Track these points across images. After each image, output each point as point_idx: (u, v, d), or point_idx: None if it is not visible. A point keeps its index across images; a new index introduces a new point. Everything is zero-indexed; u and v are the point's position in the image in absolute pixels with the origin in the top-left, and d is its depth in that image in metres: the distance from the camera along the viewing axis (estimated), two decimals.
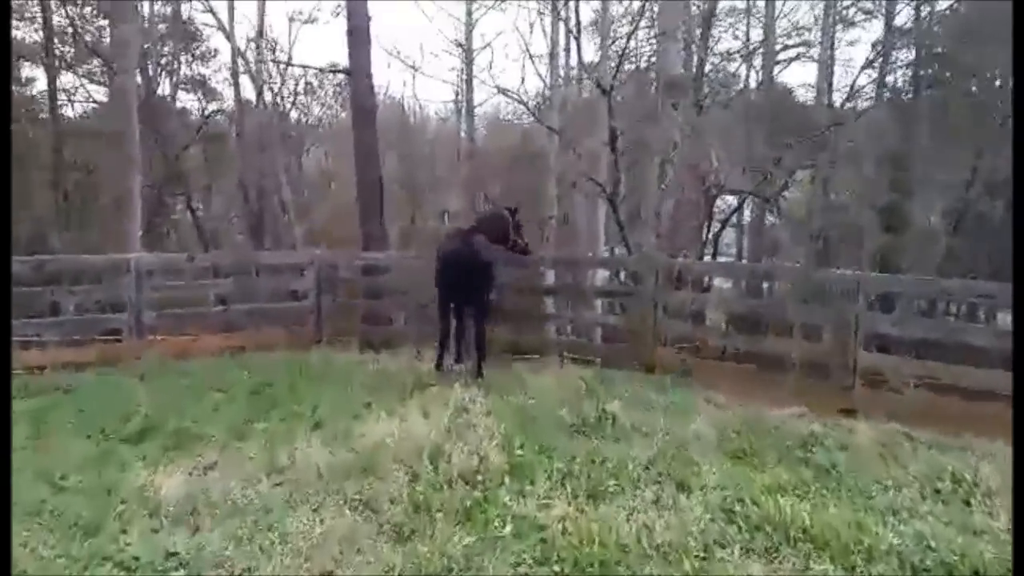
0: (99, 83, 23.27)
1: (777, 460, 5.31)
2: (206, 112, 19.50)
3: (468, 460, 5.05)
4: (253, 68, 20.45)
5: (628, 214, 15.55)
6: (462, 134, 29.47)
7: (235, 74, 20.88)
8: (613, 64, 13.57)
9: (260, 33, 21.19)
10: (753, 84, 24.20)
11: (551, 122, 18.71)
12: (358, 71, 15.21)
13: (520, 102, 15.20)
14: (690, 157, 12.67)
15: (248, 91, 21.94)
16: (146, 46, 23.46)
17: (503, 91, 14.09)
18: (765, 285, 19.76)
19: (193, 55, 25.17)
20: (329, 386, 7.32)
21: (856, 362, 6.85)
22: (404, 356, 9.12)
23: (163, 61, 24.18)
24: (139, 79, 24.16)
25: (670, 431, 5.91)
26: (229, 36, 19.56)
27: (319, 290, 10.17)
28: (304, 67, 21.37)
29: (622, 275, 13.60)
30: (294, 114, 27.42)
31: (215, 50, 24.71)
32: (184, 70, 25.01)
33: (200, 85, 25.26)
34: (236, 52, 19.94)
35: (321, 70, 20.65)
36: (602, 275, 20.37)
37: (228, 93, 24.14)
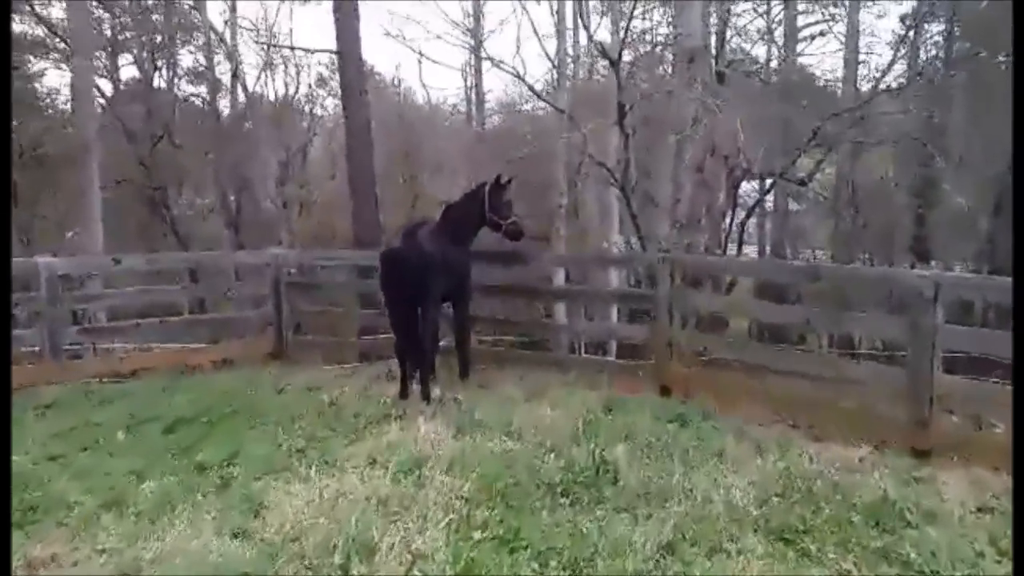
0: (103, 76, 22.08)
1: (843, 546, 3.76)
2: (182, 98, 18.03)
3: (401, 555, 3.55)
4: (228, 47, 18.99)
5: (641, 201, 14.03)
6: (473, 122, 28.03)
7: (209, 54, 19.41)
8: (622, 35, 11.98)
9: (233, 8, 19.65)
10: (774, 64, 22.55)
11: (560, 104, 17.15)
12: (347, 51, 13.81)
13: (515, 75, 13.62)
14: (711, 135, 11.07)
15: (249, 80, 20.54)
16: (142, 37, 22.21)
17: (497, 63, 12.51)
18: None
19: (195, 45, 23.77)
20: (262, 423, 5.85)
21: (933, 388, 5.25)
22: (375, 373, 7.66)
23: (161, 51, 22.77)
24: (138, 72, 23.04)
25: (691, 491, 4.39)
26: (199, 9, 18.02)
27: (278, 296, 8.69)
28: (290, 48, 19.94)
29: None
30: (307, 106, 26.03)
31: (234, 44, 23.25)
32: (187, 62, 23.70)
33: (203, 76, 23.87)
34: (209, 28, 18.44)
35: (306, 50, 19.18)
36: (616, 275, 18.97)
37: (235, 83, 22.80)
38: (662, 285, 6.78)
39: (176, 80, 22.64)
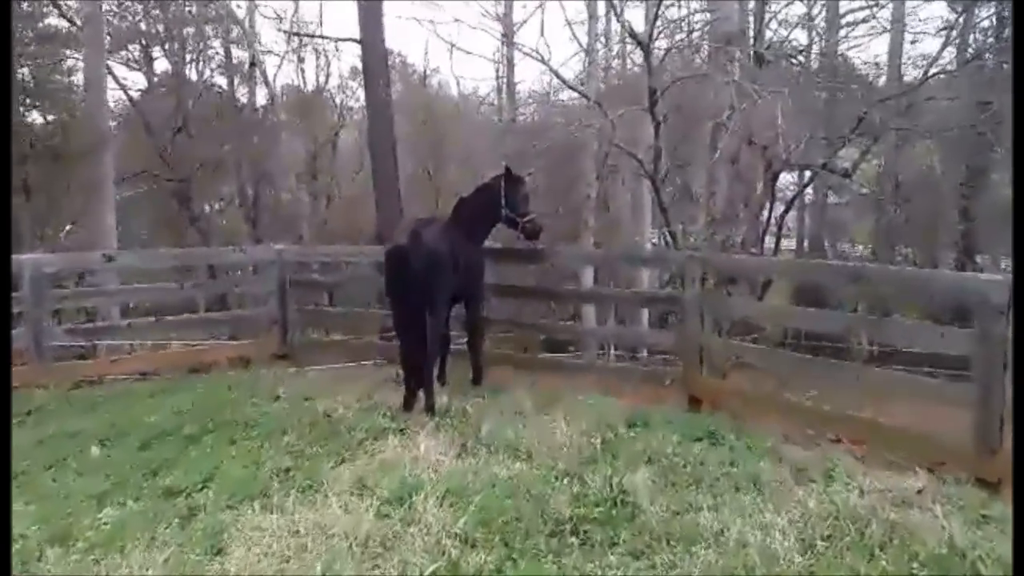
0: (136, 69, 21.86)
1: None
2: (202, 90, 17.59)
3: None
4: (247, 35, 18.51)
5: (674, 193, 13.34)
6: (503, 113, 27.39)
7: (227, 43, 18.95)
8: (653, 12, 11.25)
9: None
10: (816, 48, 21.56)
11: (590, 92, 16.42)
12: (369, 39, 13.34)
13: (539, 59, 12.92)
14: (748, 123, 10.35)
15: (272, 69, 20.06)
16: (173, 30, 21.88)
17: (528, 52, 11.88)
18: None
19: (226, 39, 23.37)
20: (248, 437, 5.32)
21: (1005, 408, 4.55)
22: (382, 378, 7.12)
23: (191, 43, 22.41)
24: (168, 65, 22.71)
25: (721, 532, 3.77)
26: None
27: (283, 294, 8.19)
28: (311, 36, 19.41)
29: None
30: (339, 98, 25.60)
31: (257, 32, 22.80)
32: (220, 55, 23.28)
33: (232, 68, 23.49)
34: (228, 15, 17.97)
35: (326, 38, 18.65)
36: (647, 274, 18.16)
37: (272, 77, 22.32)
38: (691, 287, 6.15)
39: (211, 72, 22.44)
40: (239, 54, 21.15)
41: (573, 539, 3.74)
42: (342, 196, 24.01)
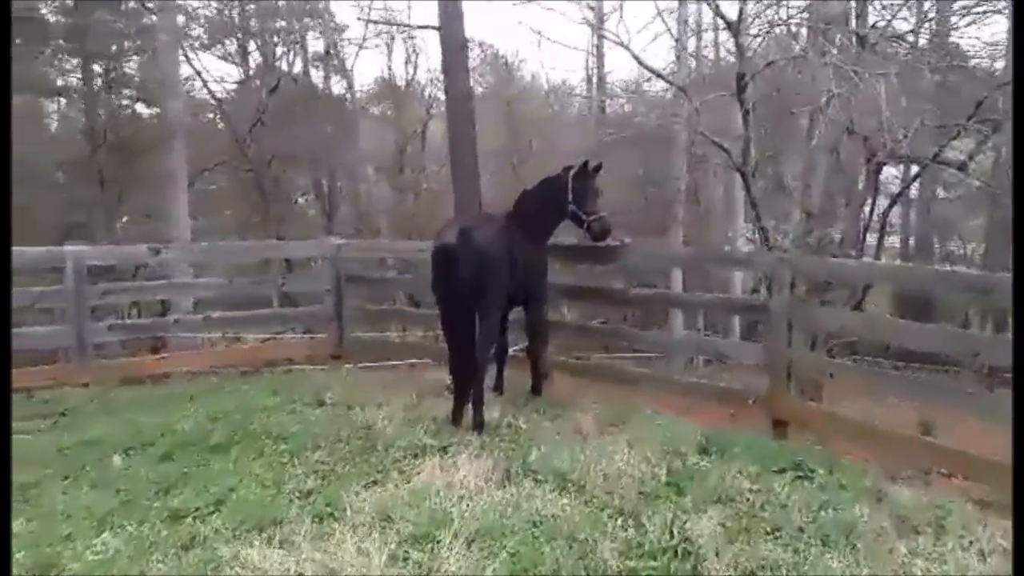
0: (234, 63, 22.15)
1: None
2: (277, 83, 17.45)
3: None
4: (323, 21, 18.26)
5: (768, 187, 12.39)
6: (592, 104, 26.62)
7: (302, 31, 18.75)
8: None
9: None
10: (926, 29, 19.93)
11: (679, 82, 15.49)
12: (447, 26, 12.87)
13: (619, 43, 12.08)
14: (848, 110, 9.38)
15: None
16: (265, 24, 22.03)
17: (617, 41, 11.13)
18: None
19: (301, 28, 23.37)
20: (274, 451, 4.87)
21: None
22: (435, 382, 6.60)
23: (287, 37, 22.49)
24: (260, 57, 22.89)
25: None
26: None
27: (339, 291, 7.79)
28: (386, 23, 19.07)
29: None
30: (430, 89, 25.37)
31: (345, 25, 22.85)
32: (314, 48, 23.33)
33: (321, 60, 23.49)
34: (309, 7, 17.74)
35: (403, 26, 18.26)
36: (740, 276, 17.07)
37: (359, 69, 22.21)
38: (779, 294, 5.39)
39: (301, 64, 22.47)
40: (318, 46, 21.10)
41: None
42: (427, 189, 23.74)
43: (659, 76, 12.20)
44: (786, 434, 5.37)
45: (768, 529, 3.74)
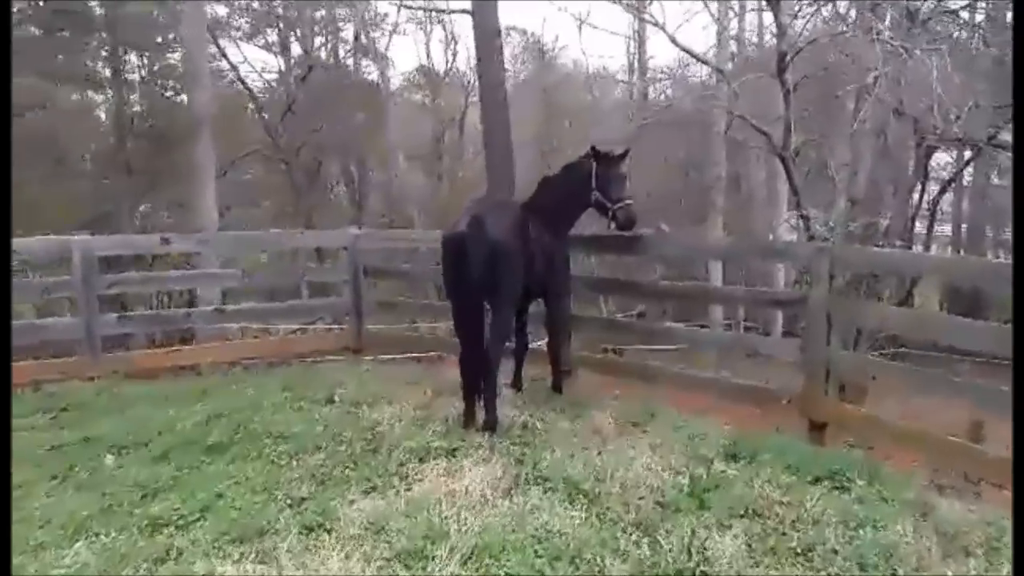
0: (274, 53, 22.09)
1: None
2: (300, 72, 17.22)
3: None
4: (356, 6, 17.95)
5: (808, 171, 11.84)
6: (633, 91, 26.05)
7: (331, 17, 18.43)
8: None
9: None
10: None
11: (719, 65, 14.90)
12: (480, 11, 12.60)
13: (654, 24, 11.60)
14: (898, 89, 8.82)
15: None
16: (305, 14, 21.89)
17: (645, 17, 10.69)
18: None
19: (331, 16, 23.11)
20: (273, 452, 4.61)
21: None
22: (451, 379, 6.29)
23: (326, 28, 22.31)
24: (298, 48, 22.81)
25: None
26: None
27: (356, 282, 7.53)
28: (413, 7, 18.66)
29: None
30: (471, 76, 25.04)
31: (384, 14, 22.67)
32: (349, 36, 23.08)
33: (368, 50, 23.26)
34: None
35: (435, 11, 17.88)
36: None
37: (394, 56, 21.99)
38: (817, 287, 4.97)
39: (335, 52, 22.22)
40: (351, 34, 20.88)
41: None
42: (462, 177, 23.44)
43: (694, 56, 11.69)
44: (823, 438, 4.96)
45: (799, 550, 3.38)
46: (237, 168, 15.62)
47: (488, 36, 12.20)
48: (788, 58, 8.78)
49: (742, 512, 3.73)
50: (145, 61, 13.61)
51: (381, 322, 8.47)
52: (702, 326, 15.96)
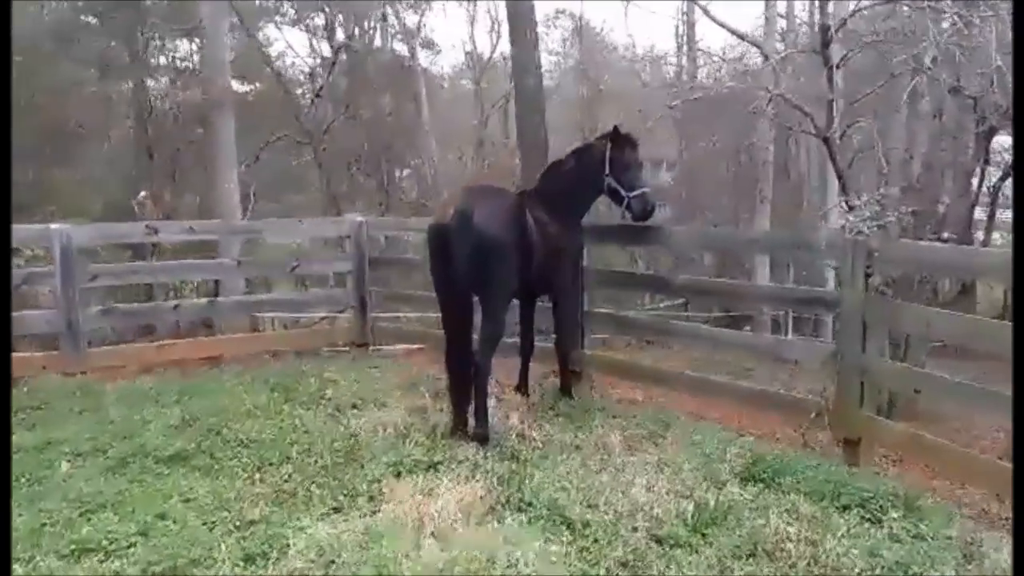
0: (323, 38, 21.82)
1: None
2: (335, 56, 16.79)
3: None
4: None
5: (854, 156, 11.09)
6: (683, 74, 25.24)
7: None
8: None
9: None
10: None
11: (768, 48, 14.07)
12: None
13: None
14: (956, 65, 8.07)
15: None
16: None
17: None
18: None
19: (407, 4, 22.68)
20: (240, 462, 4.21)
21: None
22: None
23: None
24: (342, 33, 22.52)
25: None
26: None
27: (361, 274, 7.10)
28: None
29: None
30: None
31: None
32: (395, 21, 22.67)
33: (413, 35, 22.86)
34: None
35: None
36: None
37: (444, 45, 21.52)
38: (851, 286, 4.36)
39: (391, 39, 21.85)
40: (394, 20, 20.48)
41: None
42: (501, 164, 22.92)
43: (733, 32, 11.04)
44: (856, 456, 4.36)
45: None
46: (269, 152, 15.34)
47: (521, 18, 11.65)
48: (831, 31, 8.09)
49: (749, 550, 3.21)
50: (168, 45, 13.42)
51: (391, 314, 8.08)
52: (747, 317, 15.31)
